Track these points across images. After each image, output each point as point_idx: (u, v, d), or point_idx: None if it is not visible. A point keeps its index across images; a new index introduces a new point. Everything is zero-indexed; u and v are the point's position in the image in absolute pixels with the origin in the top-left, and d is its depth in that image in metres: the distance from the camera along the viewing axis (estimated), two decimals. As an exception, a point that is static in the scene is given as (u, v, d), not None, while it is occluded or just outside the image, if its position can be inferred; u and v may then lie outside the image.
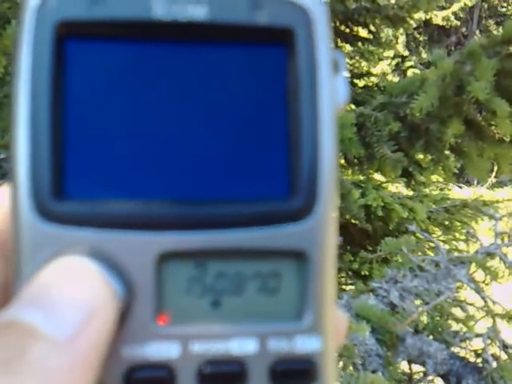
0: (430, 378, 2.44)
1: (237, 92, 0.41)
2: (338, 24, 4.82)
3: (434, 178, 4.45)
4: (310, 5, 0.42)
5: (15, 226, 0.39)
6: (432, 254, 3.09)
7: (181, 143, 0.40)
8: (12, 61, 0.40)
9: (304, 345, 0.41)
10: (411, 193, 4.44)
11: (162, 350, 0.39)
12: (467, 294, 2.69)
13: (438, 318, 2.55)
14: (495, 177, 7.93)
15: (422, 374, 2.49)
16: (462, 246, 4.12)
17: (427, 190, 4.66)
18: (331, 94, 0.42)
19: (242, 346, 0.40)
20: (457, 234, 4.24)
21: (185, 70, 0.41)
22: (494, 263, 2.65)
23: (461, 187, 8.03)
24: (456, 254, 3.15)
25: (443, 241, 4.17)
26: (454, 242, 4.22)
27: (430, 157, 3.54)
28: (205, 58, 0.41)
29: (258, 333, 0.41)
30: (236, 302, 0.41)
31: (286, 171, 0.41)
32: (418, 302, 2.52)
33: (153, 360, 0.39)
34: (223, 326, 0.41)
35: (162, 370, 0.39)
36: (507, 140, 3.36)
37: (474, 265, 2.63)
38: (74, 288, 0.36)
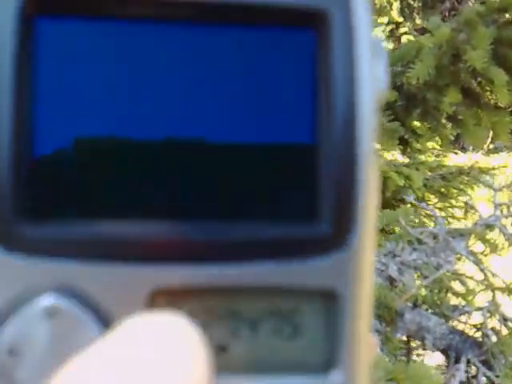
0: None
1: (255, 87, 0.33)
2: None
3: (430, 145, 4.42)
4: None
5: None
6: (429, 222, 3.07)
7: (184, 150, 0.33)
8: None
9: None
10: (407, 160, 4.42)
11: None
12: (466, 267, 2.67)
13: (436, 292, 2.53)
14: (491, 143, 7.92)
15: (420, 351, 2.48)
16: (458, 213, 4.11)
17: (423, 157, 4.64)
18: (372, 85, 0.33)
19: None
20: (453, 201, 4.23)
21: (193, 58, 0.33)
22: (494, 235, 2.63)
23: (456, 153, 8.01)
24: (454, 225, 3.13)
25: (439, 208, 4.16)
26: (450, 210, 4.21)
27: (427, 125, 3.52)
28: (215, 43, 0.33)
29: None
30: (248, 348, 0.33)
31: (313, 187, 0.33)
32: (416, 275, 2.50)
33: None
34: (231, 379, 0.33)
35: None
36: (505, 108, 3.34)
37: (473, 237, 2.61)
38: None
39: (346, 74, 0.33)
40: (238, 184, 0.33)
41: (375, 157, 0.33)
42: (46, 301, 0.31)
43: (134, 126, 0.33)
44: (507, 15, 2.98)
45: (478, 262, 2.52)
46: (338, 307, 0.33)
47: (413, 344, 2.49)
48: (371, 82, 0.33)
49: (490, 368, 2.23)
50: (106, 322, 0.31)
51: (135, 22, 0.32)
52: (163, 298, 0.32)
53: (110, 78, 0.32)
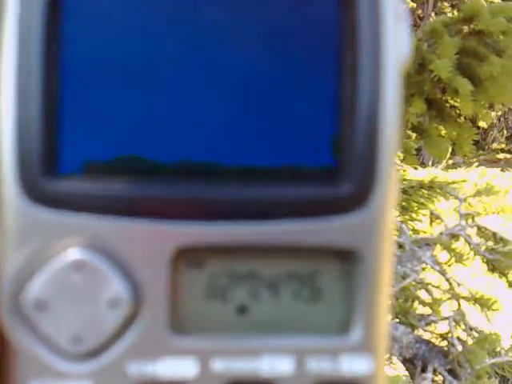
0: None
1: (277, 43, 0.32)
2: None
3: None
4: None
5: None
6: (395, 236, 3.08)
7: (204, 103, 0.32)
8: None
9: (351, 366, 0.33)
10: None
11: (176, 367, 0.32)
12: (432, 277, 2.68)
13: (403, 301, 2.54)
14: (449, 158, 8.03)
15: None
16: (419, 226, 4.15)
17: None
18: (396, 46, 0.32)
19: (274, 364, 0.33)
20: (413, 215, 4.26)
21: (213, 12, 0.32)
22: (459, 245, 2.66)
23: (416, 168, 8.11)
24: (420, 235, 3.15)
25: (401, 221, 4.19)
26: (410, 223, 4.24)
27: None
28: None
29: (295, 349, 0.33)
30: (268, 310, 0.33)
31: (333, 146, 0.33)
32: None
33: (165, 380, 0.32)
34: (251, 340, 0.33)
35: None
36: (468, 119, 3.37)
37: (438, 246, 2.63)
38: None
39: (372, 33, 0.32)
40: (262, 143, 0.33)
41: (398, 121, 0.33)
42: (74, 255, 0.32)
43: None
44: (471, 25, 3.02)
45: (443, 272, 2.53)
46: (359, 267, 0.33)
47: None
48: (395, 47, 0.33)
49: (456, 377, 2.25)
50: (130, 276, 0.32)
51: None
52: (186, 256, 0.32)
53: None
